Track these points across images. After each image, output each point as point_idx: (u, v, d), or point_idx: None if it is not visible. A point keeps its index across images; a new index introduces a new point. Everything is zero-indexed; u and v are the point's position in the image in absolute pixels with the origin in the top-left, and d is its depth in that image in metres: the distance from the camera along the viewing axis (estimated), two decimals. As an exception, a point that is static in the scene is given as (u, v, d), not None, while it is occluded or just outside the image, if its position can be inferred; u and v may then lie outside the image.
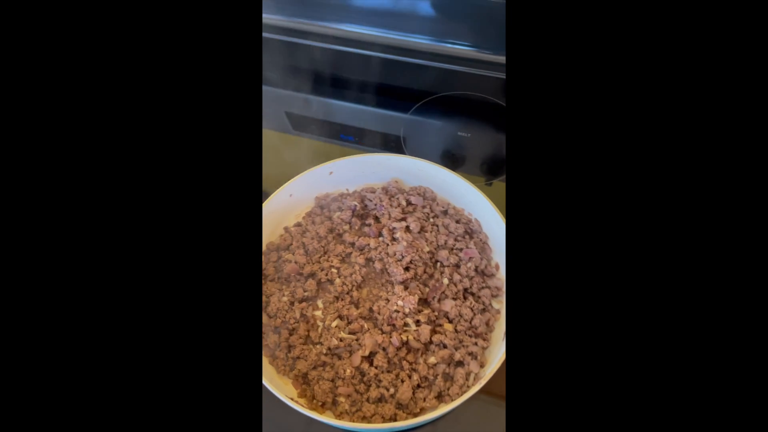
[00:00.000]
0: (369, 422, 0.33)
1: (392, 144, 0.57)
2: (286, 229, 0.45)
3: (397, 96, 0.64)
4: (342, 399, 0.35)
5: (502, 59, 0.63)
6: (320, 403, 0.34)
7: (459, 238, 0.43)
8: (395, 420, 0.33)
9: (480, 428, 0.35)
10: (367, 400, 0.34)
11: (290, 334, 0.38)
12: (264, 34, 0.70)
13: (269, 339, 0.38)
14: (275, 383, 0.33)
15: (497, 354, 0.34)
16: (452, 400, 0.34)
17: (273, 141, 0.60)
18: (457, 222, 0.44)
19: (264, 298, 0.40)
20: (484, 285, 0.40)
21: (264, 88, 0.66)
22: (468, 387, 0.34)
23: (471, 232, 0.43)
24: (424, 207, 0.45)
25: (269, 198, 0.42)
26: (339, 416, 0.34)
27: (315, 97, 0.66)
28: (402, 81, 0.66)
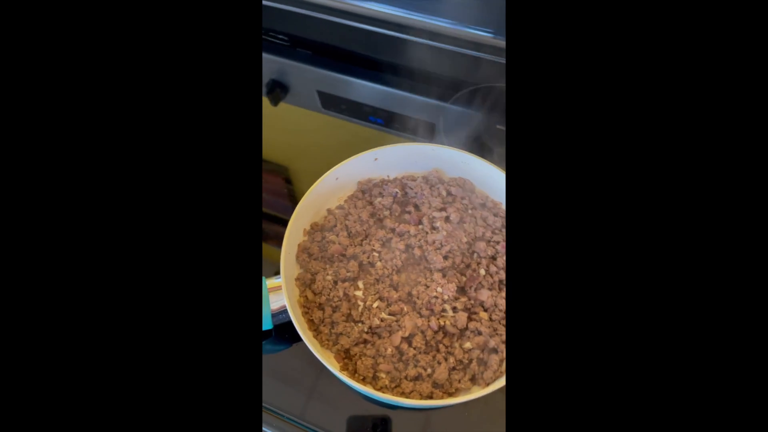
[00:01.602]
0: (408, 398, 0.35)
1: (422, 130, 0.58)
2: (329, 210, 0.46)
3: (433, 83, 0.64)
4: (382, 375, 0.37)
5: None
6: (361, 377, 0.37)
7: (496, 231, 0.44)
8: (431, 398, 0.36)
9: (481, 412, 0.37)
10: (406, 377, 0.37)
11: (333, 311, 0.40)
12: (299, 10, 0.70)
13: (314, 314, 0.40)
14: (321, 355, 0.35)
15: None
16: (486, 384, 0.36)
17: (300, 118, 0.60)
18: (495, 215, 0.45)
19: (309, 276, 0.42)
20: (518, 278, 0.42)
21: (296, 65, 0.67)
22: (501, 373, 0.36)
23: (508, 226, 0.45)
24: (463, 198, 0.46)
25: (318, 181, 0.44)
26: (379, 390, 0.36)
27: (347, 77, 0.66)
28: (440, 68, 0.66)
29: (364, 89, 0.65)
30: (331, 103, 0.63)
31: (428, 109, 0.60)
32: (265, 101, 0.63)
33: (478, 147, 0.55)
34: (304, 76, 0.66)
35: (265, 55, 0.67)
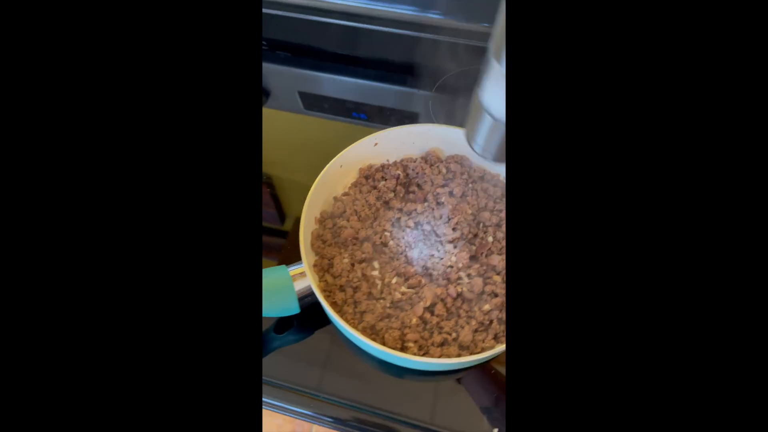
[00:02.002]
0: (447, 359, 0.37)
1: (407, 121, 0.59)
2: (335, 198, 0.48)
3: (412, 73, 0.65)
4: (410, 344, 0.39)
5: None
6: (390, 349, 0.38)
7: (497, 200, 0.47)
8: (459, 357, 0.38)
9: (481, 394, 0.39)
10: (432, 344, 0.38)
11: (354, 292, 0.41)
12: (273, 11, 0.70)
13: (336, 296, 0.41)
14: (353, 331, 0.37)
15: None
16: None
17: (283, 122, 0.60)
18: (495, 186, 0.48)
19: (326, 261, 0.43)
20: (524, 241, 0.44)
21: (276, 67, 0.67)
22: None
23: (508, 194, 0.47)
24: (462, 174, 0.48)
25: (324, 168, 0.45)
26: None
27: (328, 75, 0.67)
28: (417, 57, 0.67)
29: (345, 86, 0.66)
30: (313, 103, 0.63)
31: (411, 99, 0.62)
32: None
33: None
34: (284, 78, 0.66)
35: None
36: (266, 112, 0.62)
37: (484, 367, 0.40)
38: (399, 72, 0.67)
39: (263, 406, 0.40)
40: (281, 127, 0.60)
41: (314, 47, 0.70)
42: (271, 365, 0.40)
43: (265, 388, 0.40)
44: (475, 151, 0.29)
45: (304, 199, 0.43)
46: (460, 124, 0.58)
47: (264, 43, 0.70)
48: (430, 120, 0.58)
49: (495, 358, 0.39)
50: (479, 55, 0.65)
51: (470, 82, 0.62)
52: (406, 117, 0.60)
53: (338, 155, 0.46)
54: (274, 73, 0.67)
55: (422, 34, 0.67)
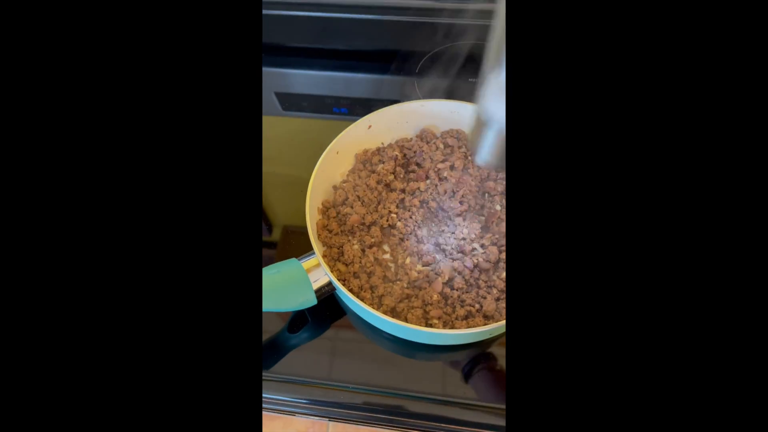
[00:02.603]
0: (479, 327, 0.36)
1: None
2: (335, 186, 0.46)
3: (387, 59, 0.64)
4: (435, 321, 0.38)
5: (489, 6, 0.66)
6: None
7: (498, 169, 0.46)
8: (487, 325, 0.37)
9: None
10: (457, 318, 0.38)
11: (369, 277, 0.40)
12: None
13: (352, 284, 0.40)
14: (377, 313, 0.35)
15: None
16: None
17: (265, 126, 0.57)
18: (494, 156, 0.47)
19: (335, 250, 0.42)
20: (532, 205, 0.44)
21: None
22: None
23: (509, 162, 0.47)
24: (460, 147, 0.48)
25: (321, 157, 0.44)
26: (436, 335, 0.37)
27: (302, 71, 0.65)
28: (391, 42, 0.66)
29: (322, 81, 0.64)
30: (291, 103, 0.61)
31: (391, 86, 0.61)
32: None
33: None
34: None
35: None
36: None
37: (490, 366, 0.39)
38: (375, 60, 0.65)
39: (283, 407, 0.39)
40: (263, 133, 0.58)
41: (284, 44, 0.69)
42: (291, 363, 0.39)
43: (287, 386, 0.38)
44: (478, 162, 0.28)
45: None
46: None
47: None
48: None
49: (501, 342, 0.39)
50: (455, 32, 0.65)
51: (448, 59, 0.62)
52: (389, 105, 0.59)
53: (333, 141, 0.45)
54: None
55: (394, 18, 0.66)
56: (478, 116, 0.26)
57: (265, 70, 0.65)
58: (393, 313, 0.39)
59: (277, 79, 0.64)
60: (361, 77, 0.64)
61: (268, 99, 0.62)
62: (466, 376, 0.38)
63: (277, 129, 0.58)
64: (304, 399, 0.38)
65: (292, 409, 0.39)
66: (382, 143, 0.49)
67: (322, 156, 0.44)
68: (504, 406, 0.36)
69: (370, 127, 0.47)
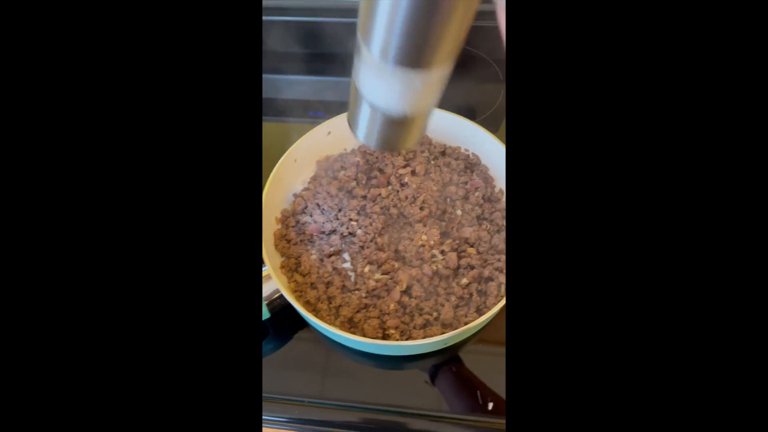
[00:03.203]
0: (430, 339, 0.35)
1: None
2: (295, 195, 0.46)
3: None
4: (392, 331, 0.37)
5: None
6: (371, 339, 0.37)
7: (462, 173, 0.46)
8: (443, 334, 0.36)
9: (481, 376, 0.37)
10: (415, 327, 0.37)
11: (327, 287, 0.39)
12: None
13: (309, 295, 0.39)
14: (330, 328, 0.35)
15: None
16: (489, 311, 0.37)
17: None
18: (456, 159, 0.46)
19: (293, 261, 0.41)
20: (494, 209, 0.43)
21: None
22: (501, 296, 0.38)
23: (471, 165, 0.46)
24: (423, 151, 0.47)
25: (277, 165, 0.43)
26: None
27: (275, 75, 0.65)
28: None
29: (297, 86, 0.64)
30: (266, 107, 0.60)
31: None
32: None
33: None
34: None
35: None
36: None
37: (455, 368, 0.38)
38: (346, 62, 0.65)
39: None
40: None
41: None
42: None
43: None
44: (358, 138, 0.27)
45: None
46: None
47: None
48: None
49: (469, 348, 0.38)
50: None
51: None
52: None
53: (289, 149, 0.44)
54: None
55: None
56: (355, 90, 0.25)
57: None
58: (350, 323, 0.38)
59: None
60: (336, 80, 0.64)
61: None
62: (432, 378, 0.37)
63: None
64: (275, 415, 0.37)
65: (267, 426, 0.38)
66: (345, 149, 0.49)
67: (278, 165, 0.43)
68: (470, 417, 0.35)
69: (329, 133, 0.46)
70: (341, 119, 0.46)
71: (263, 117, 0.59)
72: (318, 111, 0.62)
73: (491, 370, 0.37)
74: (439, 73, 0.22)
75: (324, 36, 0.66)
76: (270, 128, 0.57)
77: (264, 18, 0.66)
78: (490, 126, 0.45)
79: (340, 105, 0.59)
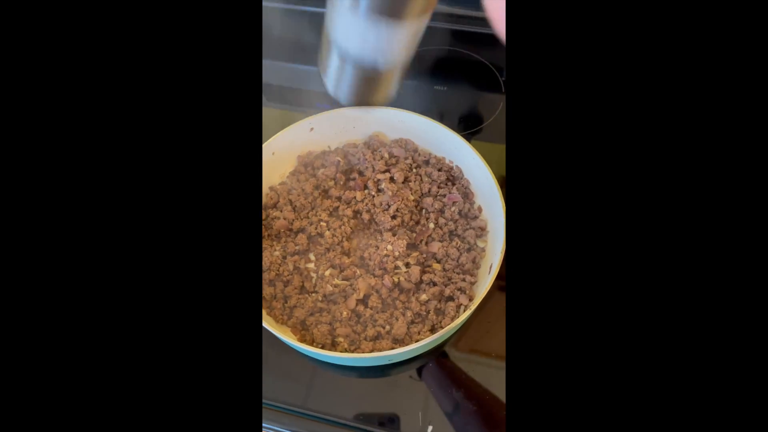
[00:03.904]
0: (369, 354, 0.35)
1: None
2: (271, 188, 0.45)
3: None
4: (341, 339, 0.36)
5: (473, 13, 0.63)
6: (320, 345, 0.36)
7: (442, 185, 0.44)
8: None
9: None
10: (365, 338, 0.36)
11: (285, 286, 0.39)
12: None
13: (265, 291, 0.38)
14: (276, 330, 0.34)
15: (483, 287, 0.36)
16: (442, 330, 0.36)
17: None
18: (439, 170, 0.45)
19: (256, 254, 0.41)
20: (468, 227, 0.42)
21: None
22: (457, 317, 0.36)
23: (453, 178, 0.45)
24: (406, 158, 0.46)
25: (252, 156, 0.42)
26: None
27: (288, 64, 0.64)
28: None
29: (307, 75, 0.63)
30: (275, 95, 0.60)
31: None
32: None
33: (427, 113, 0.54)
34: None
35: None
36: None
37: (441, 362, 0.37)
38: None
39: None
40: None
41: (272, 36, 0.67)
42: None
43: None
44: (328, 91, 0.26)
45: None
46: (409, 106, 0.56)
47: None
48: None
49: (450, 348, 0.37)
50: (434, 35, 0.62)
51: (420, 64, 0.60)
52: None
53: (267, 141, 0.43)
54: None
55: None
56: (326, 38, 0.24)
57: None
58: (302, 326, 0.37)
59: (263, 69, 0.63)
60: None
61: None
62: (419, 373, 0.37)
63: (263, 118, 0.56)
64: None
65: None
66: (329, 146, 0.48)
67: (253, 156, 0.42)
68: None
69: (312, 129, 0.46)
70: (325, 116, 0.45)
71: (271, 103, 0.59)
72: (325, 103, 0.62)
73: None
74: (413, 26, 0.21)
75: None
76: (274, 114, 0.57)
77: (292, 7, 0.65)
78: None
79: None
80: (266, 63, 0.63)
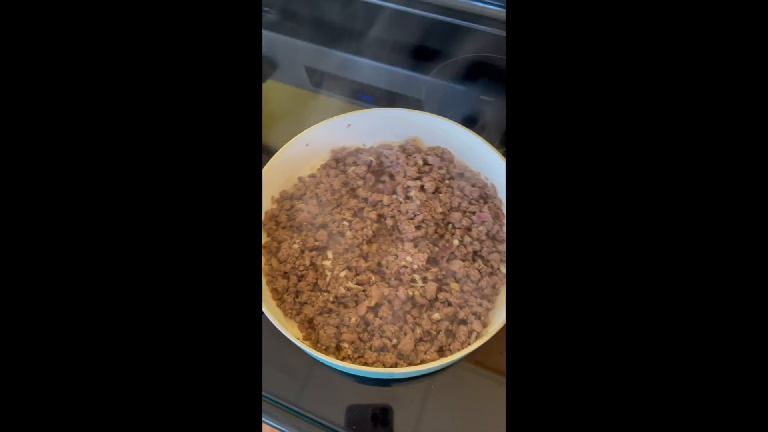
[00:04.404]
0: (370, 368, 0.34)
1: (413, 107, 0.55)
2: (300, 179, 0.45)
3: (423, 56, 0.61)
4: (345, 345, 0.36)
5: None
6: (324, 347, 0.36)
7: (473, 202, 0.42)
8: (395, 367, 0.34)
9: (481, 407, 0.35)
10: (370, 348, 0.35)
11: (299, 280, 0.39)
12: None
13: (278, 283, 0.38)
14: (282, 325, 0.34)
15: (500, 316, 0.34)
16: (451, 356, 0.34)
17: (289, 96, 0.58)
18: (473, 185, 0.43)
19: (275, 244, 0.40)
20: (494, 249, 0.40)
21: (284, 38, 0.64)
22: (468, 344, 0.35)
23: (486, 196, 0.43)
24: (440, 168, 0.44)
25: (285, 145, 0.42)
26: (341, 360, 0.35)
27: (337, 51, 0.63)
28: (429, 40, 0.63)
29: (354, 65, 0.62)
30: (320, 79, 0.60)
31: (418, 86, 0.58)
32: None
33: (470, 122, 0.52)
34: (292, 50, 0.63)
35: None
36: (272, 84, 0.59)
37: None
38: (413, 56, 0.62)
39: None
40: (284, 102, 0.57)
41: (325, 19, 0.67)
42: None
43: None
44: None
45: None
46: (453, 112, 0.54)
47: (272, 10, 0.67)
48: (424, 107, 0.54)
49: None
50: (488, 42, 0.60)
51: (471, 71, 0.58)
52: (413, 104, 0.55)
53: (303, 133, 0.43)
54: (282, 44, 0.64)
55: (441, 17, 0.63)
56: None
57: (301, 43, 0.64)
58: (310, 324, 0.37)
59: (311, 54, 0.62)
60: (393, 70, 0.61)
61: (298, 71, 0.61)
62: None
63: (302, 100, 0.57)
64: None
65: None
66: (364, 144, 0.47)
67: (286, 146, 0.42)
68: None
69: (349, 125, 0.45)
70: (365, 114, 0.44)
71: (313, 87, 0.59)
72: (368, 95, 0.61)
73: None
74: None
75: (409, 26, 0.64)
76: (317, 100, 0.56)
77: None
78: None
79: (389, 95, 0.57)
80: (312, 47, 0.63)
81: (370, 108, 0.44)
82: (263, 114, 0.54)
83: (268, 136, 0.50)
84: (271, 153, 0.41)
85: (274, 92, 0.58)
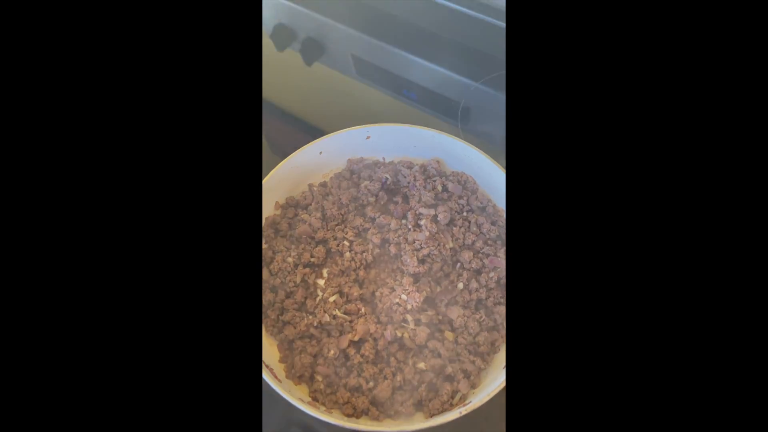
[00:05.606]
0: (340, 409, 0.32)
1: (454, 112, 0.51)
2: (310, 186, 0.42)
3: (477, 61, 0.56)
4: (319, 378, 0.33)
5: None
6: (297, 375, 0.34)
7: (489, 242, 0.38)
8: (366, 414, 0.32)
9: None
10: (344, 386, 0.33)
11: (286, 297, 0.37)
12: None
13: (265, 296, 0.37)
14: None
15: (494, 381, 0.31)
16: (430, 415, 0.31)
17: (333, 82, 0.56)
18: (493, 224, 0.39)
19: (270, 253, 0.39)
20: (501, 302, 0.36)
21: (333, 24, 0.62)
22: (451, 405, 0.32)
23: (505, 239, 0.38)
24: (460, 197, 0.40)
25: (297, 151, 0.40)
26: (312, 394, 0.33)
27: (386, 44, 0.60)
28: (486, 46, 0.58)
29: (402, 60, 0.59)
30: (365, 70, 0.57)
31: (465, 91, 0.53)
32: (299, 59, 0.58)
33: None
34: (341, 37, 0.60)
35: (301, 10, 0.63)
36: (317, 68, 0.57)
37: None
38: (464, 60, 0.58)
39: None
40: (328, 87, 0.56)
41: (377, 9, 0.63)
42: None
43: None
44: None
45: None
46: (495, 126, 0.49)
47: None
48: (466, 115, 0.49)
49: None
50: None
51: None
52: (455, 109, 0.51)
53: (318, 140, 0.40)
54: (331, 30, 0.61)
55: (496, 21, 0.57)
56: None
57: (349, 30, 0.61)
58: (289, 346, 0.35)
59: (359, 42, 0.60)
60: (442, 72, 0.57)
61: (344, 59, 0.59)
62: None
63: (345, 87, 0.55)
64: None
65: None
66: (383, 158, 0.43)
67: (298, 152, 0.39)
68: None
69: (368, 137, 0.41)
70: (385, 129, 0.41)
71: (358, 77, 0.57)
72: (412, 92, 0.57)
73: None
74: None
75: (447, 21, 0.59)
76: (359, 89, 0.55)
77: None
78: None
79: (428, 93, 0.54)
80: (362, 37, 0.60)
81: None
82: (309, 93, 0.52)
83: (304, 112, 0.51)
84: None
85: (317, 76, 0.57)
